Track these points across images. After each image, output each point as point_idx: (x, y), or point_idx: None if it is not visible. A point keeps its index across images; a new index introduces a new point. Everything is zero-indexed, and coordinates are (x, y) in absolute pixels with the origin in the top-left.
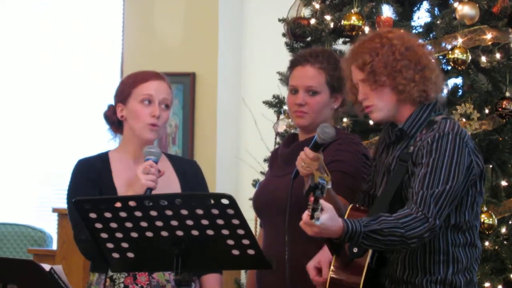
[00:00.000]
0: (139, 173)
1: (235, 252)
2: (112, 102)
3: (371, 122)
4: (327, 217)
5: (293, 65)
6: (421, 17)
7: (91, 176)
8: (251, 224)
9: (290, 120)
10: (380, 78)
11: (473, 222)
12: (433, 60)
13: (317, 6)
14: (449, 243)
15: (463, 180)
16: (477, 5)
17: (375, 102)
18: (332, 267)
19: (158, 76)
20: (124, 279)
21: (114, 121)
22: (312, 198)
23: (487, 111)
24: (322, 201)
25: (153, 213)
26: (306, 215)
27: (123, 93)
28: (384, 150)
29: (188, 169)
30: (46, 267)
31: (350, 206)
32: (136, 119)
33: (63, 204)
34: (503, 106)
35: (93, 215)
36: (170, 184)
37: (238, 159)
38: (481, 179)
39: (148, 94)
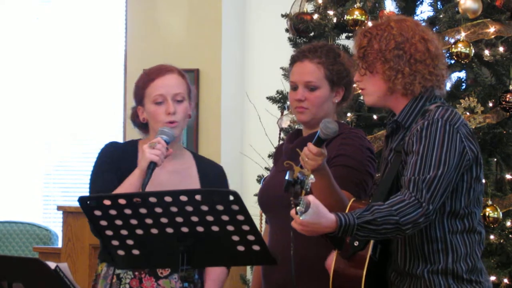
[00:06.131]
0: (145, 148)
1: (240, 248)
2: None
3: (375, 117)
4: (311, 212)
5: (292, 61)
6: (424, 11)
7: (114, 160)
8: (256, 220)
9: (294, 115)
10: (371, 64)
11: (471, 209)
12: (437, 54)
13: (320, 1)
14: (446, 230)
15: (456, 165)
16: None
17: (366, 86)
18: (334, 261)
19: (166, 70)
20: (130, 280)
21: (140, 123)
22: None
23: (491, 104)
24: (311, 197)
25: (158, 209)
26: (293, 212)
27: (138, 96)
28: (385, 143)
29: (211, 172)
30: (52, 265)
31: (352, 200)
32: (154, 120)
33: (68, 202)
34: (507, 99)
35: (97, 213)
36: (190, 182)
37: (242, 154)
38: (477, 165)
39: (158, 94)
